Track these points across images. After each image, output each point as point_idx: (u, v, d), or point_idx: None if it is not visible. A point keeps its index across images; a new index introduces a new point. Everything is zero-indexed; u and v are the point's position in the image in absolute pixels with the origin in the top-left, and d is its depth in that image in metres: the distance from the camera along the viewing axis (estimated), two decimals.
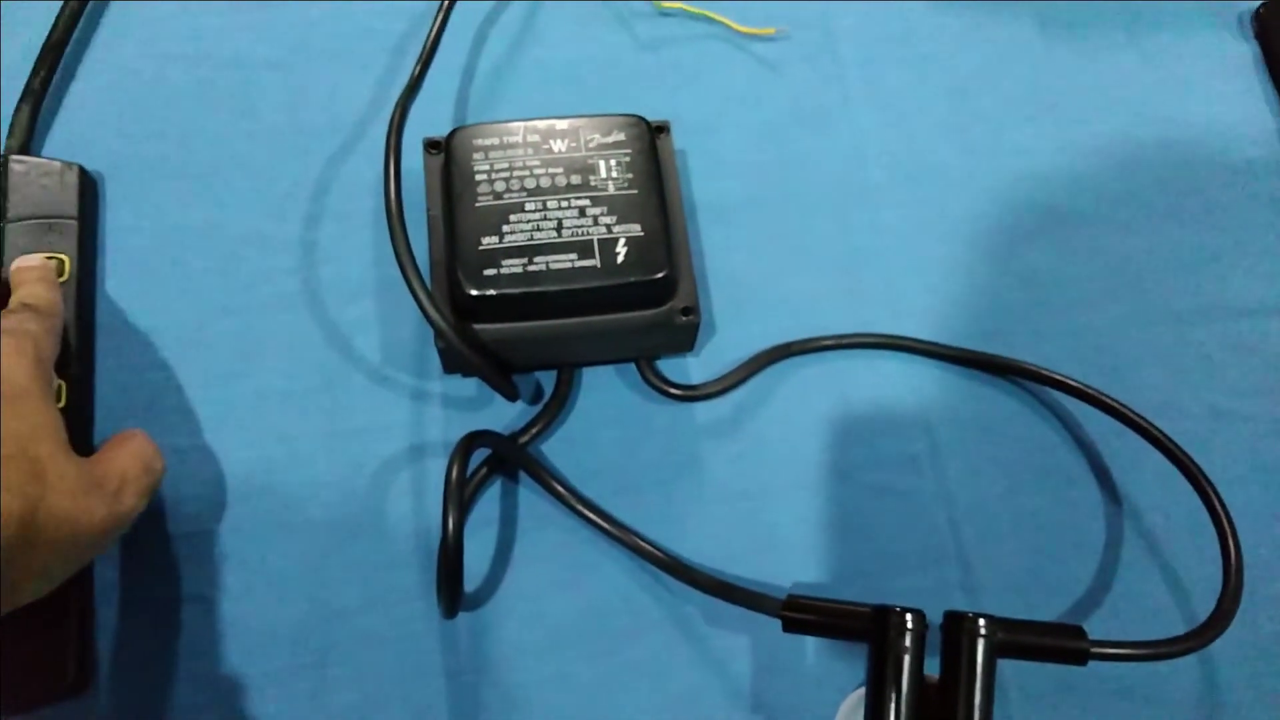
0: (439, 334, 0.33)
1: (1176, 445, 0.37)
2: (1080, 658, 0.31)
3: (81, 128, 0.41)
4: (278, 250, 0.40)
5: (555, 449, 0.37)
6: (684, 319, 0.35)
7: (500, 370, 0.35)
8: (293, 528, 0.36)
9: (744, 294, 0.40)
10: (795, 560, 0.36)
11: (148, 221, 0.40)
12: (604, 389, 0.39)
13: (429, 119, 0.40)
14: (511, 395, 0.36)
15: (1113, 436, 0.39)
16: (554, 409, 0.37)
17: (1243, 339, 0.41)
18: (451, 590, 0.32)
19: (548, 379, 0.38)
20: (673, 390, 0.38)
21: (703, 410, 0.38)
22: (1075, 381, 0.38)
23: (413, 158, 0.37)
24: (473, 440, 0.33)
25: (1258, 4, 0.47)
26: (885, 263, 0.41)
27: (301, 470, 0.36)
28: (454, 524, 0.31)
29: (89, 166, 0.40)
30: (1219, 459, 0.38)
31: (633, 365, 0.38)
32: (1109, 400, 0.38)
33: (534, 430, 0.36)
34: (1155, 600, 0.37)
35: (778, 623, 0.34)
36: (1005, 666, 0.35)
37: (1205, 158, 0.44)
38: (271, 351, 0.38)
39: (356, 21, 0.44)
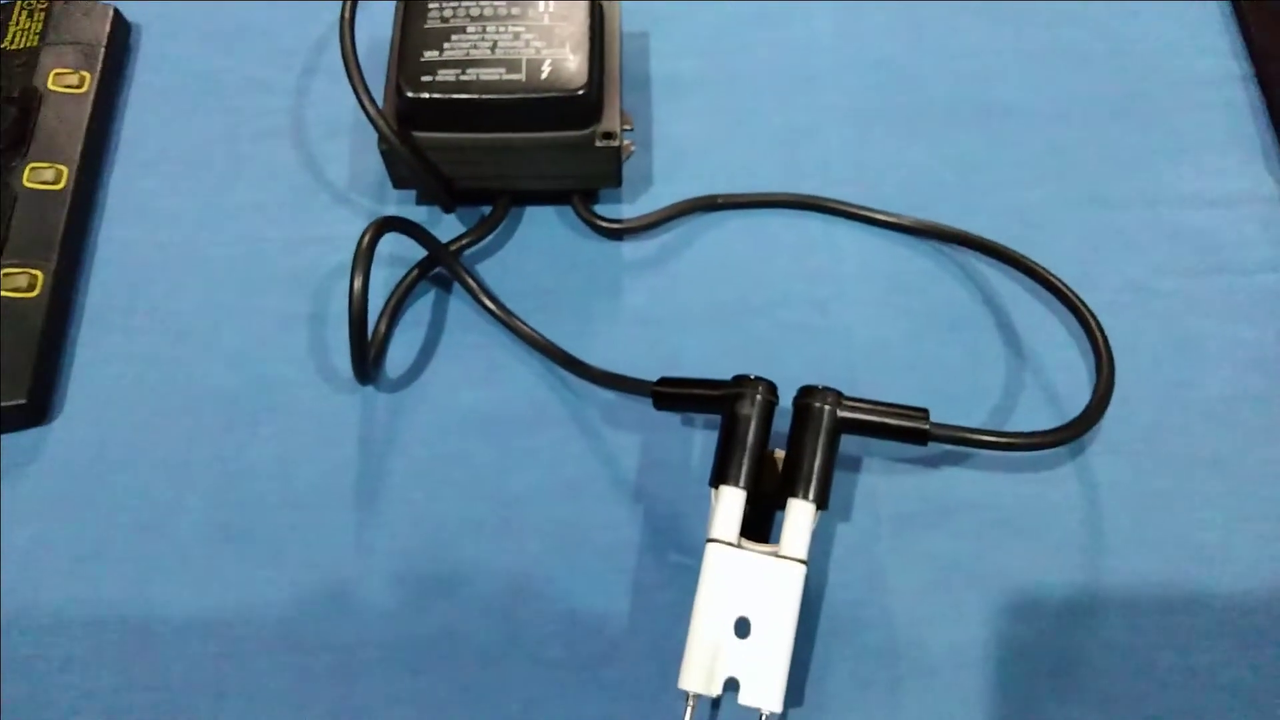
0: (377, 129, 0.37)
1: (1077, 295, 0.38)
2: (921, 437, 0.32)
3: None
4: (275, 93, 0.45)
5: (490, 269, 0.41)
6: (604, 142, 0.38)
7: (438, 177, 0.39)
8: (250, 312, 0.40)
9: (685, 158, 0.43)
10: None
11: (170, 65, 0.46)
12: (542, 225, 0.42)
13: None
14: (446, 204, 0.40)
15: (1024, 298, 0.40)
16: (487, 226, 0.40)
17: (1167, 224, 0.41)
18: (360, 354, 0.36)
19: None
20: (600, 223, 0.41)
21: (630, 248, 0.41)
22: (987, 239, 0.40)
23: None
24: (389, 220, 0.37)
25: None
26: (822, 140, 0.44)
27: (267, 266, 0.41)
28: (359, 285, 0.34)
29: (131, 18, 0.46)
30: (1131, 330, 0.39)
31: (570, 208, 0.42)
32: (1017, 255, 0.39)
33: (464, 241, 0.40)
34: None
35: (670, 425, 0.37)
36: (878, 484, 0.36)
37: (1156, 67, 0.45)
38: (255, 171, 0.43)
39: None
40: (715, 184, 0.43)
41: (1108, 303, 0.39)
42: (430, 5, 0.39)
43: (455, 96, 0.37)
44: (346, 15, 0.38)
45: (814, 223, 0.42)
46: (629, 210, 0.42)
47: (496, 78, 0.37)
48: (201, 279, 0.41)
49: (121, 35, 0.46)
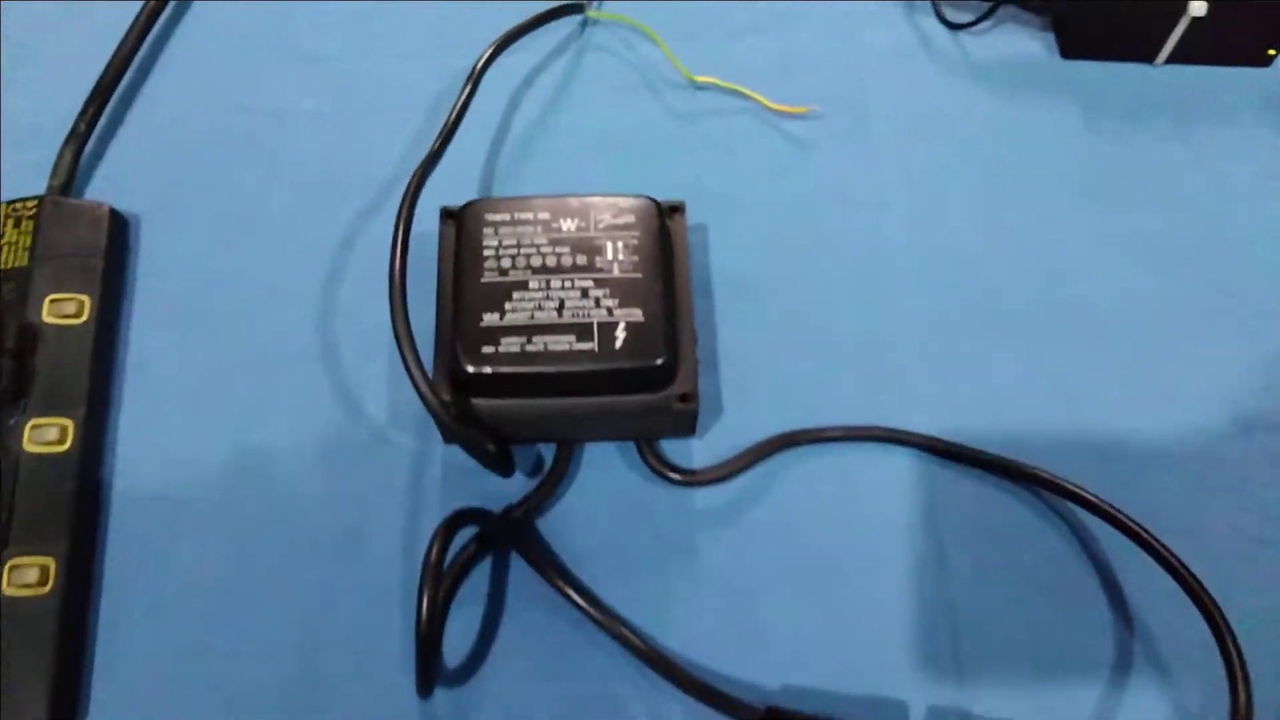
0: (434, 416, 0.33)
1: (1190, 573, 0.35)
2: None
3: (124, 170, 0.43)
4: (299, 304, 0.41)
5: (550, 523, 0.37)
6: (681, 406, 0.34)
7: (497, 446, 0.35)
8: (290, 585, 0.36)
9: (754, 375, 0.40)
10: (786, 660, 0.35)
11: (178, 266, 0.41)
12: (605, 466, 0.38)
13: (454, 180, 0.40)
14: (505, 472, 0.36)
15: (1128, 553, 0.37)
16: (550, 486, 0.37)
17: (1272, 455, 0.39)
18: (426, 670, 0.32)
19: (550, 451, 0.38)
20: (672, 475, 0.37)
21: (703, 495, 0.38)
22: (1089, 493, 0.37)
23: (432, 220, 0.37)
24: (457, 519, 0.33)
25: None
26: (903, 353, 0.40)
27: (305, 527, 0.37)
28: (428, 605, 0.31)
29: (128, 208, 0.42)
30: (1244, 589, 0.36)
31: (634, 444, 0.38)
32: (1122, 517, 0.36)
33: (527, 505, 0.36)
34: None
35: None
36: None
37: (1250, 261, 0.42)
38: (283, 404, 0.39)
39: (398, 79, 0.45)
40: (789, 407, 0.39)
41: (1217, 558, 0.36)
42: (485, 252, 0.35)
43: (521, 370, 0.33)
44: (396, 278, 0.33)
45: (901, 459, 0.39)
46: (698, 443, 0.39)
47: (566, 348, 0.33)
48: (233, 546, 0.37)
49: (120, 237, 0.41)
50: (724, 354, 0.40)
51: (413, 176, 0.36)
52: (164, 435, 0.38)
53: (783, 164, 0.44)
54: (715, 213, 0.42)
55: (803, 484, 0.38)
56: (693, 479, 0.37)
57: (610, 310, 0.34)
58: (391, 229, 0.35)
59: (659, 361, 0.33)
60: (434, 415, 0.33)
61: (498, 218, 0.35)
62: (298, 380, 0.39)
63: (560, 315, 0.34)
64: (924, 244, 0.42)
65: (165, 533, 0.37)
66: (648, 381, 0.34)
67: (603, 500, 0.38)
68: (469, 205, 0.36)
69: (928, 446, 0.38)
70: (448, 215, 0.37)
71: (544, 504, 0.37)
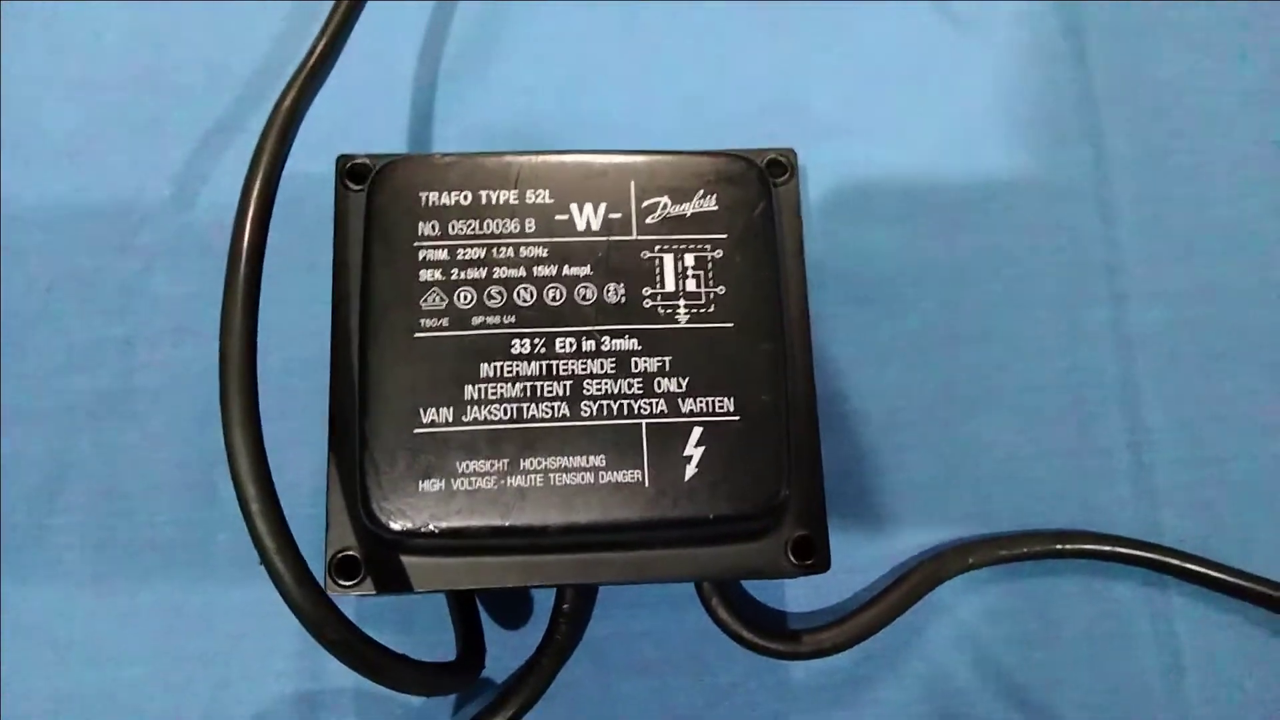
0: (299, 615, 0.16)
1: None
2: None
3: None
4: (105, 309, 0.24)
5: (550, 708, 0.22)
6: (793, 564, 0.18)
7: (464, 640, 0.19)
8: None
9: (890, 440, 0.24)
10: None
11: None
12: (641, 607, 0.22)
13: (368, 109, 0.23)
14: (458, 686, 0.20)
15: None
16: (543, 674, 0.21)
17: None
18: None
19: (543, 597, 0.22)
20: (760, 642, 0.21)
21: (806, 663, 0.22)
22: None
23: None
24: None
25: None
26: (1130, 404, 0.24)
27: None
28: None
29: None
30: None
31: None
32: None
33: (507, 713, 0.20)
34: None
35: None
36: None
37: None
38: (82, 486, 0.23)
39: None
40: (948, 495, 0.24)
41: None
42: (424, 273, 0.18)
43: (496, 524, 0.17)
44: (237, 325, 0.16)
45: (1129, 587, 0.23)
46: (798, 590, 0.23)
47: (589, 480, 0.17)
48: None
49: None
50: (832, 402, 0.24)
51: (282, 98, 0.18)
52: None
53: (936, 58, 0.27)
54: (823, 146, 0.25)
55: (971, 631, 0.23)
56: (796, 648, 0.21)
57: (675, 398, 0.17)
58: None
59: (770, 501, 0.17)
60: (303, 620, 0.16)
61: (446, 199, 0.18)
62: (100, 457, 0.23)
63: (574, 411, 0.17)
64: (1166, 211, 0.26)
65: None
66: (742, 531, 0.18)
67: (635, 668, 0.22)
68: (391, 166, 0.18)
69: (1171, 568, 0.23)
70: (352, 176, 0.19)
71: (534, 701, 0.21)
